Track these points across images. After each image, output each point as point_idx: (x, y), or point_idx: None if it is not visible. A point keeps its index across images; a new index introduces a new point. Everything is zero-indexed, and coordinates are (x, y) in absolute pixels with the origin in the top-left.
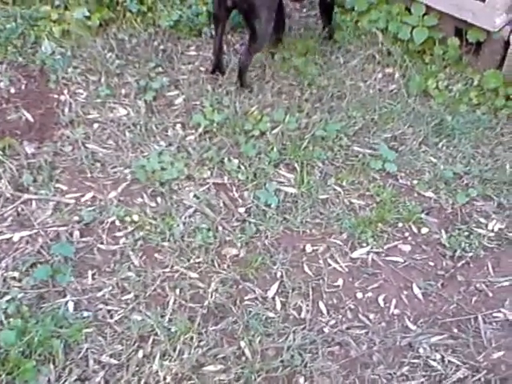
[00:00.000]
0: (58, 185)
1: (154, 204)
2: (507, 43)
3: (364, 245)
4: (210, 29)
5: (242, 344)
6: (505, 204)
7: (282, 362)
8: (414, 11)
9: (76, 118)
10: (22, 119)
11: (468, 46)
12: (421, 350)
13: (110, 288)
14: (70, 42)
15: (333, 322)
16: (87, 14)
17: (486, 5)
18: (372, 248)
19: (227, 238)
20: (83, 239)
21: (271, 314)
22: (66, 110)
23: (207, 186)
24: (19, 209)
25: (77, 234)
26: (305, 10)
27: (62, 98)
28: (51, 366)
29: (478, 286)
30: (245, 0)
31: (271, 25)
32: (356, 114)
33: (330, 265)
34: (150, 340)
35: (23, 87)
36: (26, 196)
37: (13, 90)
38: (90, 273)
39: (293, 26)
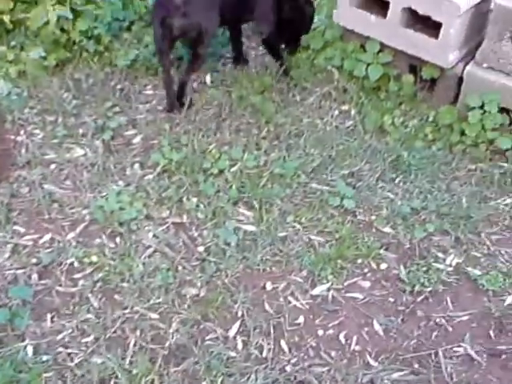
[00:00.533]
0: (15, 227)
1: (112, 244)
2: (461, 79)
3: (324, 281)
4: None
5: None
6: (462, 238)
7: None
8: (368, 49)
9: (33, 159)
10: None
11: (422, 82)
12: None
13: (70, 331)
14: (27, 83)
15: (295, 360)
16: (43, 54)
17: (439, 42)
18: (332, 285)
19: (187, 278)
20: (42, 281)
21: (233, 354)
22: (23, 150)
23: (166, 225)
24: None
25: (35, 276)
26: (261, 48)
27: (19, 138)
28: None
29: (437, 320)
30: (194, 28)
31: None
32: (314, 151)
33: (290, 302)
34: (111, 383)
35: None
36: None
37: None
38: (48, 316)
39: (250, 63)
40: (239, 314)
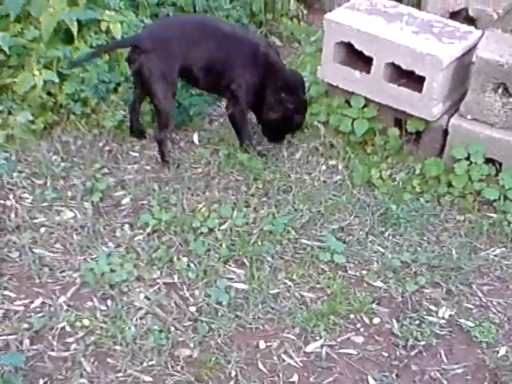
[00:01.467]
0: (5, 292)
1: (104, 307)
2: (446, 131)
3: (317, 338)
4: (153, 128)
5: None
6: (453, 290)
7: None
8: (353, 104)
9: (22, 223)
10: None
11: (408, 135)
12: None
13: None
14: (15, 147)
15: None
16: (31, 118)
17: (423, 95)
18: (325, 341)
19: (180, 339)
20: (33, 347)
21: None
22: (12, 215)
23: (157, 286)
24: None
25: (27, 341)
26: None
27: (8, 203)
28: None
29: (432, 374)
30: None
31: (170, 101)
32: (302, 206)
33: (284, 360)
34: None
35: None
36: None
37: None
38: (41, 382)
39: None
40: (233, 374)
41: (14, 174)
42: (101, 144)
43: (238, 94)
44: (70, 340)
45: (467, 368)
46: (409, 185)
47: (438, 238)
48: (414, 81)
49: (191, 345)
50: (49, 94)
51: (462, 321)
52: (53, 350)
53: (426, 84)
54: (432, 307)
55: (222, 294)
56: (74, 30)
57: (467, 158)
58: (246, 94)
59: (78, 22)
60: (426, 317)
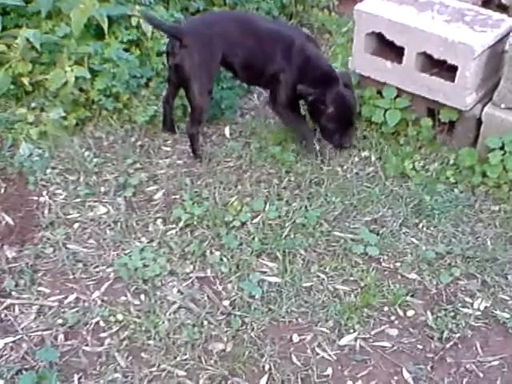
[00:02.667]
0: (40, 288)
1: (137, 302)
2: (479, 121)
3: (351, 331)
4: (185, 122)
5: None
6: (489, 281)
7: None
8: (385, 94)
9: (56, 219)
10: (1, 223)
11: (441, 125)
12: None
13: None
14: (48, 143)
15: None
16: (63, 114)
17: (456, 85)
18: (359, 334)
19: (213, 333)
20: (68, 342)
21: None
22: (46, 211)
23: (190, 280)
24: (2, 315)
25: (61, 337)
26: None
27: (42, 199)
28: None
29: (467, 366)
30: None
31: (205, 98)
32: (335, 199)
33: (318, 354)
34: None
35: (2, 191)
36: (8, 301)
37: None
38: (76, 377)
39: (268, 115)
40: (266, 367)
41: (48, 171)
42: (133, 139)
43: (277, 90)
44: (104, 335)
45: (503, 360)
46: (442, 175)
47: (473, 228)
48: (446, 70)
49: (224, 339)
50: (80, 90)
51: (498, 312)
52: (87, 345)
53: (458, 73)
54: (467, 299)
55: (255, 288)
56: (105, 25)
57: (501, 148)
58: (285, 88)
59: (109, 17)
60: (460, 309)
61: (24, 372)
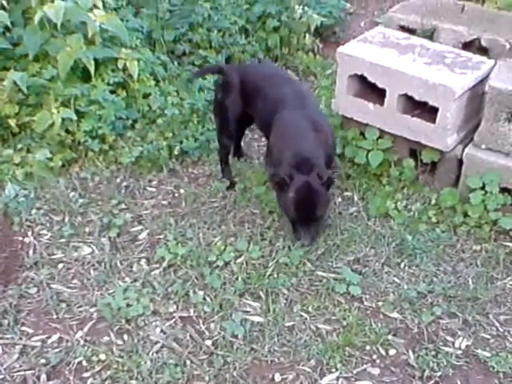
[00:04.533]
0: (23, 328)
1: (120, 342)
2: (461, 161)
3: (333, 370)
4: (172, 162)
5: None
6: (470, 320)
7: None
8: (368, 135)
9: (40, 260)
10: None
11: (423, 166)
12: None
13: None
14: (33, 184)
15: None
16: (49, 155)
17: (437, 126)
18: (341, 373)
19: (195, 372)
20: (50, 382)
21: None
22: (31, 251)
23: (173, 320)
24: None
25: (44, 377)
26: (264, 139)
27: (27, 239)
28: None
29: None
30: None
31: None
32: (318, 238)
33: None
34: None
35: None
36: None
37: None
38: None
39: (252, 155)
40: None
41: (33, 211)
42: (118, 180)
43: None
44: (86, 375)
45: None
46: (424, 215)
47: (455, 268)
48: (427, 111)
49: (206, 378)
50: (67, 131)
51: (479, 351)
52: None
53: (439, 115)
54: (448, 338)
55: (238, 327)
56: (91, 68)
57: (482, 188)
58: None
59: (95, 60)
60: (442, 347)
61: None
